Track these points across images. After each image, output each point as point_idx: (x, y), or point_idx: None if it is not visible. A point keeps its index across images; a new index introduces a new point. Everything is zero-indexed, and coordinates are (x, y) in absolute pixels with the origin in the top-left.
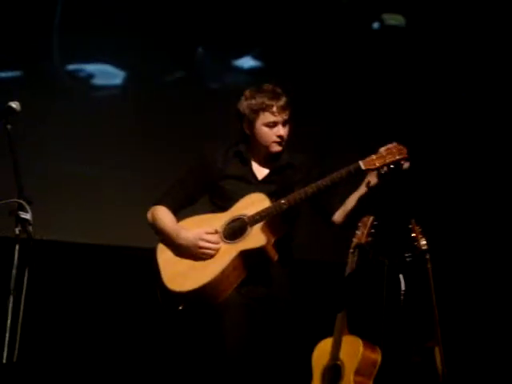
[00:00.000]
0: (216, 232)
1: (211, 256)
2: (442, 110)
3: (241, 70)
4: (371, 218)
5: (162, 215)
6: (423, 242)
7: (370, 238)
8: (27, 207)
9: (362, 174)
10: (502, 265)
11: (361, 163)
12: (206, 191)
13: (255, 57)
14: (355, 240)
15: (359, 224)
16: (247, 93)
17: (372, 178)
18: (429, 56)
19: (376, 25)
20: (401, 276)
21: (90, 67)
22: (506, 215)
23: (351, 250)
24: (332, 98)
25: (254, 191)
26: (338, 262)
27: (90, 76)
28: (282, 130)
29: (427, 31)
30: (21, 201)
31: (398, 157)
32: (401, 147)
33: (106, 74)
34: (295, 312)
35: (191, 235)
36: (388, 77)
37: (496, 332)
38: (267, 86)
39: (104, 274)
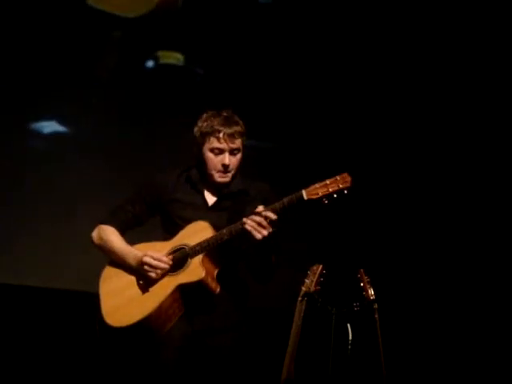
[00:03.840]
0: (167, 256)
1: (155, 274)
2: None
3: None
4: (320, 267)
5: (111, 235)
6: (371, 292)
7: (318, 287)
8: None
9: (303, 204)
10: (449, 314)
11: (303, 192)
12: (154, 214)
13: None
14: (304, 288)
15: (308, 272)
16: (204, 115)
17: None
18: None
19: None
20: (348, 325)
21: None
22: (452, 264)
23: (299, 299)
24: None
25: (202, 218)
26: (286, 309)
27: None
28: (227, 159)
29: None
30: None
31: (341, 186)
32: (345, 175)
33: None
34: (240, 347)
35: (140, 252)
36: None
37: (445, 380)
38: (224, 112)
39: (48, 318)
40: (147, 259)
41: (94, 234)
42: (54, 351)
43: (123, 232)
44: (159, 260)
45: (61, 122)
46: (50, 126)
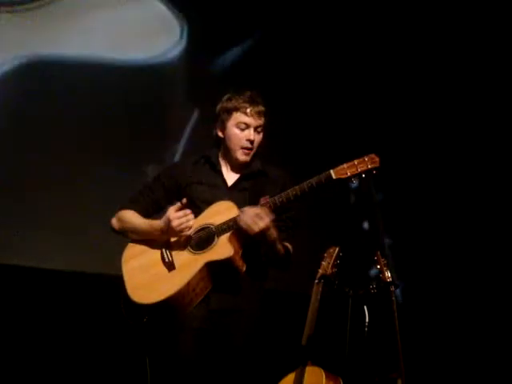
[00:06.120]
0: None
1: (188, 225)
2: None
3: None
4: (337, 249)
5: (132, 217)
6: (388, 274)
7: (335, 269)
8: None
9: (332, 184)
10: (466, 297)
11: (332, 172)
12: (172, 199)
13: None
14: (320, 271)
15: (325, 255)
16: (226, 96)
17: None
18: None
19: None
20: (365, 307)
21: None
22: (473, 246)
23: (316, 281)
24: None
25: (222, 198)
26: (303, 292)
27: None
28: (252, 135)
29: None
30: None
31: (370, 166)
32: (373, 156)
33: None
34: (260, 327)
35: (162, 221)
36: None
37: (459, 365)
38: (248, 92)
39: (61, 300)
40: (172, 214)
41: (114, 220)
42: (78, 331)
43: (143, 217)
44: (184, 213)
45: None
46: None
